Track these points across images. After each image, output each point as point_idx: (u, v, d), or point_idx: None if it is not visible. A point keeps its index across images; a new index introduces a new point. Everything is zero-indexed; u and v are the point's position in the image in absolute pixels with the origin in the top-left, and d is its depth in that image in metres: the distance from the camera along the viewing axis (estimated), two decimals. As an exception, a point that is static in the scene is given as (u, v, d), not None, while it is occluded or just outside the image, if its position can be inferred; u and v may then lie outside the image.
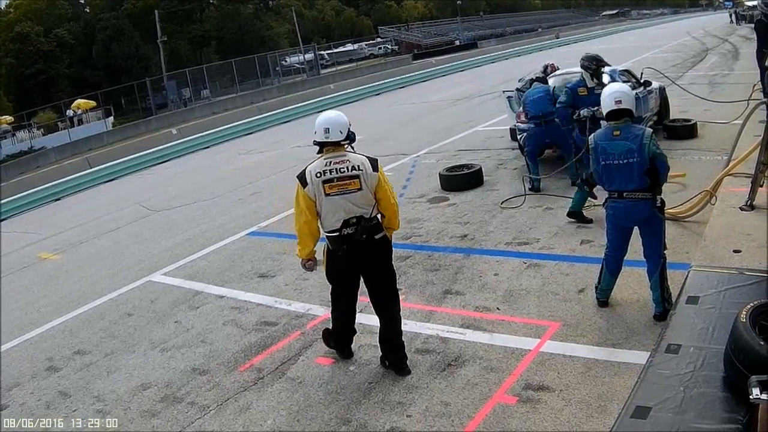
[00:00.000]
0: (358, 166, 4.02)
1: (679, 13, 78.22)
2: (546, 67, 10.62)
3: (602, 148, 4.34)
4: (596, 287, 4.73)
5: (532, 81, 10.42)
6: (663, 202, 4.33)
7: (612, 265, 4.56)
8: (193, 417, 4.25)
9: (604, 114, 4.43)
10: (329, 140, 4.04)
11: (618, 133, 4.27)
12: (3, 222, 14.80)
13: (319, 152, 4.10)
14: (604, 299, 4.69)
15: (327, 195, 3.98)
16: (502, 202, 7.61)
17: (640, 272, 4.63)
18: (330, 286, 4.45)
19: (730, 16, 43.58)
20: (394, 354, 4.31)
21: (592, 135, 4.57)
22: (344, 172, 3.99)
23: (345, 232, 4.02)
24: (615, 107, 4.29)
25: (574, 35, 47.45)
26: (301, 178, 4.03)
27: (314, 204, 4.03)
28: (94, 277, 8.11)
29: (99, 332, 6.17)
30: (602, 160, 4.36)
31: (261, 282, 6.65)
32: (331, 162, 4.00)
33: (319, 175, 3.97)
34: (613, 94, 4.37)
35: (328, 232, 4.09)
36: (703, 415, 2.46)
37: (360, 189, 4.01)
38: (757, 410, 2.17)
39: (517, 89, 10.67)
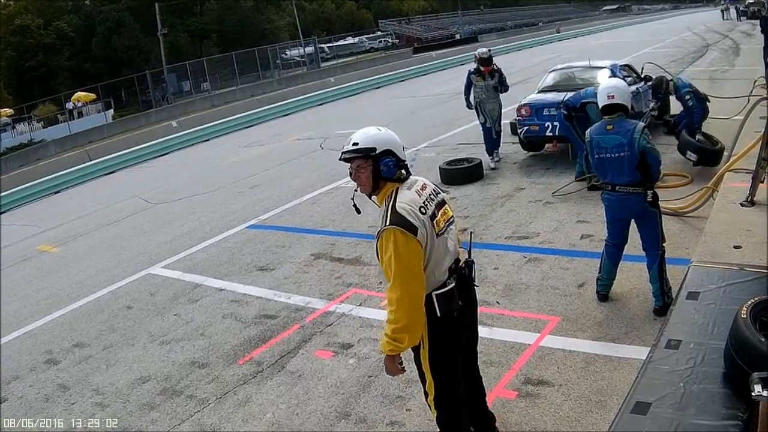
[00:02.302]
0: (436, 187, 2.93)
1: (679, 9, 77.91)
2: (475, 57, 10.62)
3: (596, 142, 4.41)
4: (597, 279, 4.74)
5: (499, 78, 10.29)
6: (655, 196, 4.36)
7: (612, 251, 4.59)
8: (192, 410, 4.26)
9: (599, 108, 4.49)
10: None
11: (611, 127, 4.34)
12: (3, 214, 14.78)
13: (391, 180, 2.76)
14: (604, 292, 4.69)
15: (438, 235, 2.75)
16: (554, 193, 7.45)
17: (640, 267, 4.63)
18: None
19: (722, 12, 43.14)
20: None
21: (588, 129, 4.62)
22: (434, 198, 2.83)
23: (452, 284, 2.80)
24: (608, 102, 4.37)
25: (574, 30, 47.31)
26: (405, 223, 2.61)
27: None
28: (94, 270, 8.10)
29: (98, 325, 6.17)
30: (596, 154, 4.43)
31: (260, 275, 6.65)
32: (418, 190, 2.79)
33: (423, 210, 2.71)
34: (606, 89, 4.45)
35: (436, 290, 2.73)
36: (703, 411, 2.45)
37: (453, 217, 2.94)
38: (757, 407, 2.17)
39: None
